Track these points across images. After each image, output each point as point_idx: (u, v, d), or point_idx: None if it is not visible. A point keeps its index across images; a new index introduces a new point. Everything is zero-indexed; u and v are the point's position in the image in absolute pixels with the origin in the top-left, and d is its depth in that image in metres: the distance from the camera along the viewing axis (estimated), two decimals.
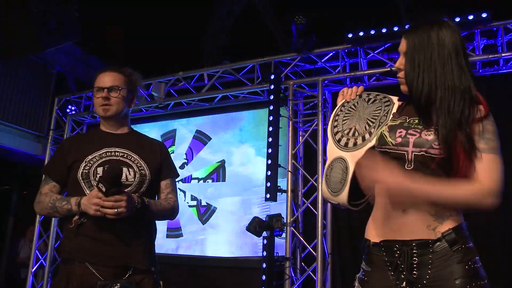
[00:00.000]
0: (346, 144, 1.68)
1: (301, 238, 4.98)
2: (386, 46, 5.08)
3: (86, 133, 2.32)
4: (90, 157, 2.07)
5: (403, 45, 1.61)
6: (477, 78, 4.36)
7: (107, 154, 2.10)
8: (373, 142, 1.62)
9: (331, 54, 5.33)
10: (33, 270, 6.18)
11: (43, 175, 2.13)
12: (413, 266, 1.47)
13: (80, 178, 2.04)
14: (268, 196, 4.87)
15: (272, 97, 5.15)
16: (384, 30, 4.86)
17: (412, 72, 1.56)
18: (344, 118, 1.76)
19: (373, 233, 1.60)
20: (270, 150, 4.98)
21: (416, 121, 1.57)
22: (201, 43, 7.66)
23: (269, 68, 5.59)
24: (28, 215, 6.66)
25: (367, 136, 1.65)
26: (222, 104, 6.11)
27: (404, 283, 1.48)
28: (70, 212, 1.96)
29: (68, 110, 6.77)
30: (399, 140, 1.54)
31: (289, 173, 5.10)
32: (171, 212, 2.19)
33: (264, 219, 4.76)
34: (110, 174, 1.88)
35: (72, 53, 7.20)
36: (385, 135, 1.58)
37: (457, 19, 4.62)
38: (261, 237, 4.72)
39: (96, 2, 6.92)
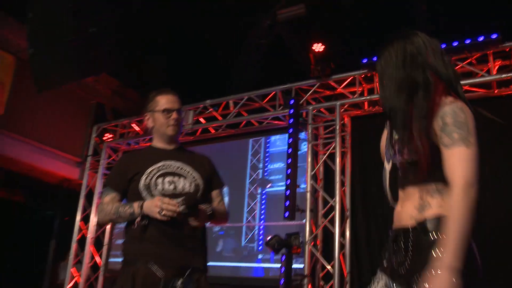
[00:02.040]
0: None
1: (318, 256, 5.13)
2: None
3: (142, 149, 2.65)
4: (149, 169, 2.33)
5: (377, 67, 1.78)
6: (493, 98, 4.46)
7: (165, 167, 2.35)
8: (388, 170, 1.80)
9: (349, 79, 5.57)
10: (69, 286, 6.57)
11: (104, 187, 2.42)
12: (400, 248, 1.63)
13: (142, 189, 2.29)
14: (286, 214, 5.06)
15: (291, 121, 5.41)
16: None
17: (382, 94, 1.74)
18: None
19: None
20: (289, 171, 5.21)
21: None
22: (230, 75, 8.10)
23: (291, 94, 5.89)
24: (69, 239, 7.08)
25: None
26: (248, 130, 6.43)
27: (395, 264, 1.65)
28: (132, 216, 2.20)
29: (105, 138, 7.26)
30: (392, 152, 1.71)
31: (308, 193, 5.30)
32: (226, 216, 2.51)
33: (284, 237, 4.96)
34: (191, 201, 2.20)
35: (109, 85, 7.75)
36: (389, 149, 1.75)
37: (467, 41, 4.79)
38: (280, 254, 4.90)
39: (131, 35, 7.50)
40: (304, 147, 5.71)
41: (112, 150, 7.31)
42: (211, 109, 6.55)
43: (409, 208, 1.64)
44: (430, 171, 1.58)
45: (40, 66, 5.21)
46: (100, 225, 6.46)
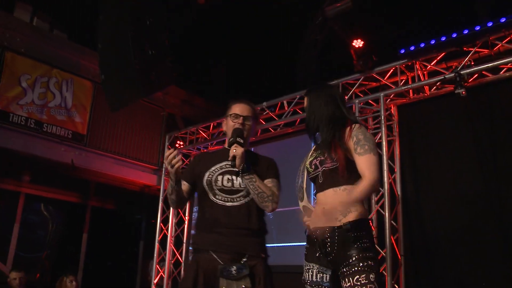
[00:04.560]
0: (300, 198, 2.69)
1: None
2: (441, 56, 5.61)
3: (215, 150, 3.19)
4: (213, 167, 2.75)
5: (305, 102, 2.67)
6: None
7: (227, 166, 2.74)
8: (305, 186, 2.66)
9: (391, 70, 5.96)
10: (155, 281, 7.61)
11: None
12: (327, 244, 2.36)
13: (205, 184, 2.71)
14: None
15: None
16: (432, 42, 5.41)
17: (310, 120, 2.60)
18: (296, 180, 2.76)
19: (311, 223, 2.49)
20: None
21: (320, 151, 2.54)
22: (296, 73, 8.71)
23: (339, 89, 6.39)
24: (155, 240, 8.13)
25: (303, 185, 2.69)
26: (303, 127, 7.00)
27: (323, 255, 2.39)
28: (172, 188, 2.64)
29: (177, 145, 8.22)
30: (313, 167, 2.53)
31: None
32: (270, 198, 2.65)
33: None
34: (239, 133, 2.72)
35: (178, 96, 8.72)
36: (308, 167, 2.59)
37: (503, 20, 4.97)
38: None
39: (197, 48, 8.38)
40: None
41: (184, 156, 8.24)
42: (267, 111, 7.22)
43: (332, 211, 2.35)
44: (346, 175, 2.38)
45: (111, 89, 6.20)
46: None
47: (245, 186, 2.68)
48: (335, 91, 2.67)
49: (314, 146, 2.70)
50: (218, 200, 2.70)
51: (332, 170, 2.42)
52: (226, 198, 2.70)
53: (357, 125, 2.46)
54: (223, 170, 2.75)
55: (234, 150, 2.59)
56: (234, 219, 2.65)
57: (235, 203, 2.69)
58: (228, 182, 2.71)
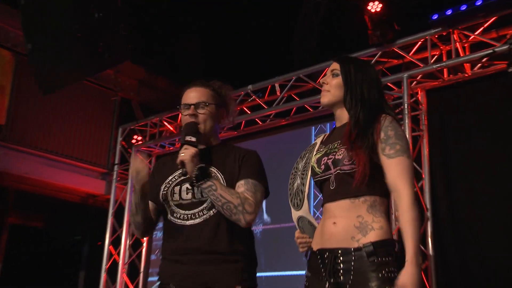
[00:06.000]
0: (296, 205, 2.56)
1: None
2: (490, 21, 5.39)
3: (175, 152, 3.07)
4: (170, 177, 2.71)
5: (335, 66, 2.51)
6: None
7: (184, 172, 2.57)
8: (306, 190, 2.52)
9: (419, 43, 5.75)
10: None
11: None
12: (339, 272, 2.19)
13: (162, 200, 2.69)
14: None
15: None
16: (478, 3, 5.16)
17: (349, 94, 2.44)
18: (290, 182, 2.66)
19: (314, 243, 2.39)
20: None
21: (335, 144, 2.40)
22: (290, 48, 8.49)
23: None
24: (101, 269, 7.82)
25: (304, 189, 2.55)
26: (301, 118, 6.79)
27: (333, 285, 2.21)
28: (136, 206, 2.65)
29: (133, 141, 7.93)
30: (323, 167, 2.38)
31: None
32: (240, 208, 2.51)
33: None
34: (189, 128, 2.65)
35: (135, 75, 8.43)
36: (314, 167, 2.44)
37: None
38: None
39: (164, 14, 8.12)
40: None
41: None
42: (254, 96, 6.97)
43: (348, 227, 2.24)
44: (368, 183, 2.24)
45: (42, 64, 5.88)
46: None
47: None
48: (377, 72, 2.56)
49: (323, 136, 2.58)
50: (176, 220, 2.64)
51: (349, 174, 2.28)
52: (185, 216, 2.63)
53: (388, 118, 2.33)
54: (181, 178, 2.66)
55: (182, 154, 2.52)
56: (195, 241, 2.57)
57: (197, 220, 2.60)
58: (187, 194, 2.63)
